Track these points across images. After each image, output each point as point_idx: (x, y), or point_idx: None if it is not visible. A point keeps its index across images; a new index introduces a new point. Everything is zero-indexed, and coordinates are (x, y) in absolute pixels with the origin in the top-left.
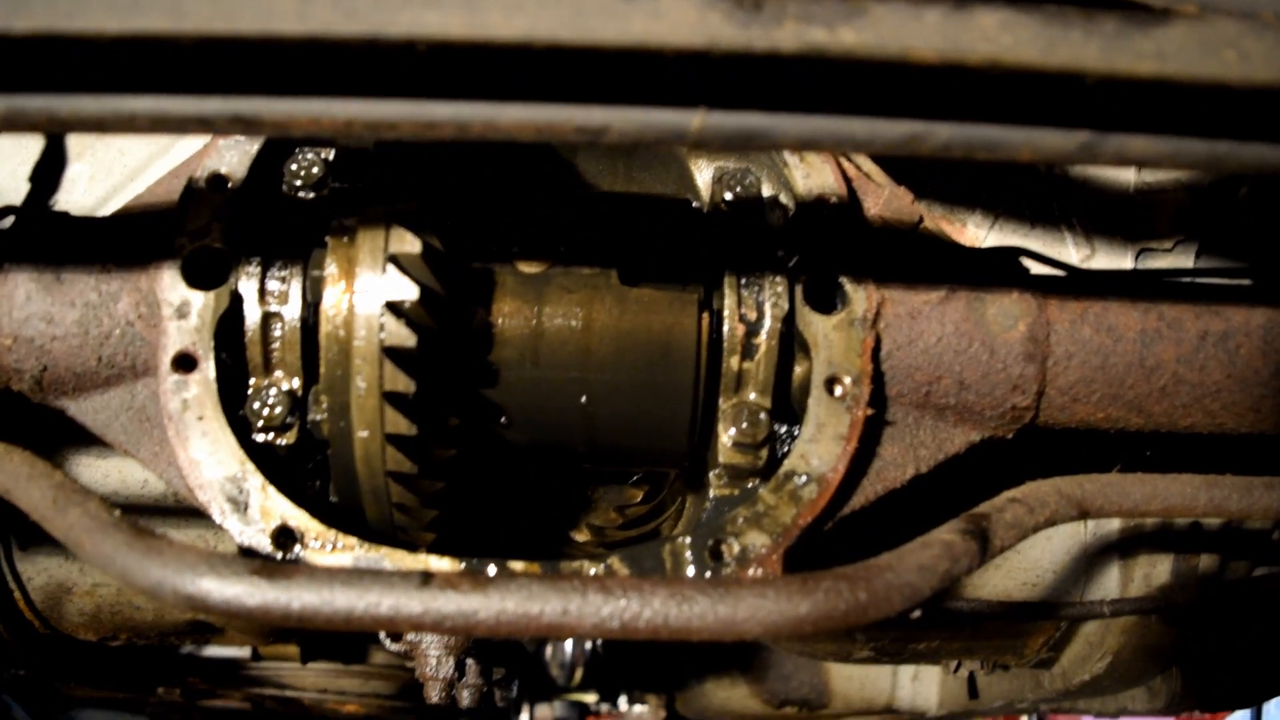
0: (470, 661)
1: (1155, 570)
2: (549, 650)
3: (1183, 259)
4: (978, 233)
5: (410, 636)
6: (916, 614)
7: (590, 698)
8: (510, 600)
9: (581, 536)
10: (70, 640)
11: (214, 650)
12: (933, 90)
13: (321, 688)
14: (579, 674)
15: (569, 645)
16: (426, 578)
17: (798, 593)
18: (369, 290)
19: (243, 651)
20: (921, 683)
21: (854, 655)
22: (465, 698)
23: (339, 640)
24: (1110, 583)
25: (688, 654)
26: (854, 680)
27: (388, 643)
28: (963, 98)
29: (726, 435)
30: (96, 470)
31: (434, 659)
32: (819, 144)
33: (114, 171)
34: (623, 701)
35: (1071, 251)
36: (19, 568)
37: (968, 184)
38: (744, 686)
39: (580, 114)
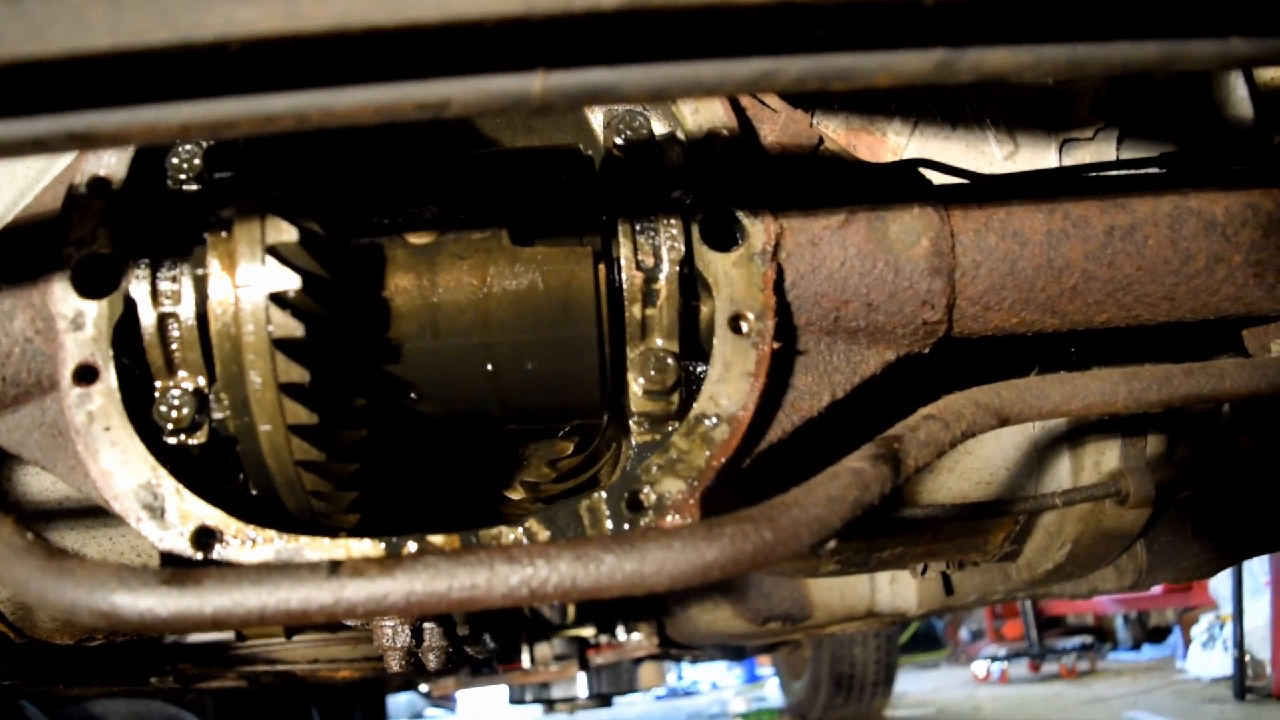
0: (430, 625)
1: (1104, 457)
2: None
3: (1105, 147)
4: (899, 140)
5: None
6: (830, 545)
7: (588, 632)
8: (418, 581)
9: (516, 495)
10: (49, 645)
11: (198, 636)
12: (777, 26)
13: (312, 658)
14: (571, 611)
15: None
16: (335, 566)
17: (703, 540)
18: (252, 284)
19: (227, 634)
20: (900, 585)
21: (821, 570)
22: (431, 661)
23: None
24: (1062, 473)
25: None
26: (833, 590)
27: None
28: (809, 28)
29: (636, 384)
30: (45, 477)
31: (389, 630)
32: (669, 92)
33: (17, 178)
34: (620, 632)
35: (995, 150)
36: None
37: (880, 94)
38: (727, 608)
39: (418, 90)
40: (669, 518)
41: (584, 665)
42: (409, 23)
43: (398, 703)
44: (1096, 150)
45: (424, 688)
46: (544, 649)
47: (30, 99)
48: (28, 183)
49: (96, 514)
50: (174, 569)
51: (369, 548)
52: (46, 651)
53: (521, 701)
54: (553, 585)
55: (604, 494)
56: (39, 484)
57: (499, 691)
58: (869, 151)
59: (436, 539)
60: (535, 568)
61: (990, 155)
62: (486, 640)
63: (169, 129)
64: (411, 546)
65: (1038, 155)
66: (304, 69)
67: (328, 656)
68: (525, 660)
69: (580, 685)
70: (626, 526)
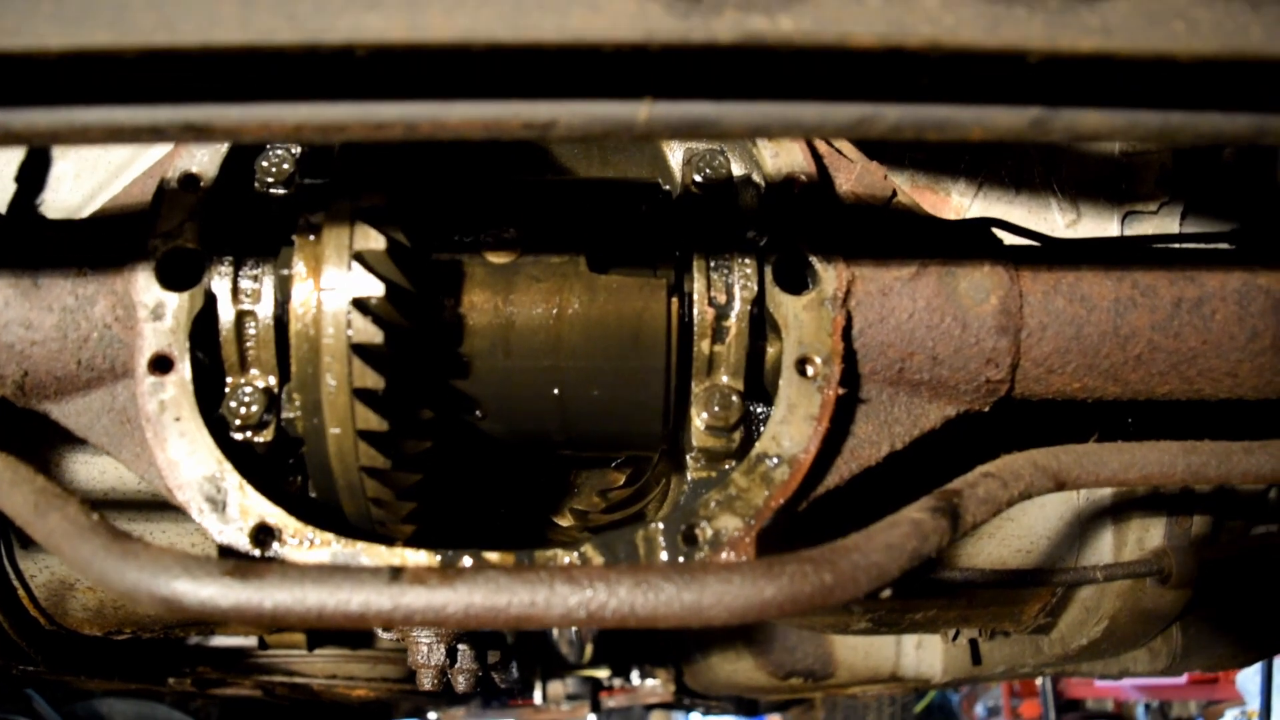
0: (463, 647)
1: (1148, 534)
2: (556, 629)
3: (1168, 221)
4: (962, 201)
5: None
6: (886, 593)
7: (602, 673)
8: (478, 594)
9: (565, 521)
10: (76, 635)
11: (221, 640)
12: (879, 72)
13: (330, 674)
14: (589, 650)
15: None
16: (396, 573)
17: (763, 577)
18: (336, 288)
19: (249, 640)
20: (925, 650)
21: (852, 627)
22: (460, 683)
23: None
24: (1104, 547)
25: (692, 630)
26: (858, 650)
27: (381, 632)
28: (910, 79)
29: (699, 419)
30: (93, 467)
31: (425, 647)
32: (768, 130)
33: (98, 169)
34: (634, 676)
35: (1057, 217)
36: (21, 565)
37: (950, 154)
38: (749, 659)
39: (527, 110)
40: (724, 554)
41: (595, 707)
42: (530, 42)
43: None
44: (1159, 224)
45: (432, 716)
46: (557, 687)
47: (152, 88)
48: (107, 176)
49: (144, 508)
50: (237, 561)
51: (424, 559)
52: (73, 641)
53: None
54: (611, 610)
55: (660, 525)
56: (86, 473)
57: None
58: (931, 210)
59: (491, 556)
60: (595, 590)
61: (1053, 222)
62: (513, 669)
63: (283, 127)
64: (466, 561)
65: (1100, 225)
66: (416, 81)
67: (346, 673)
68: (537, 697)
69: None
70: (681, 559)
